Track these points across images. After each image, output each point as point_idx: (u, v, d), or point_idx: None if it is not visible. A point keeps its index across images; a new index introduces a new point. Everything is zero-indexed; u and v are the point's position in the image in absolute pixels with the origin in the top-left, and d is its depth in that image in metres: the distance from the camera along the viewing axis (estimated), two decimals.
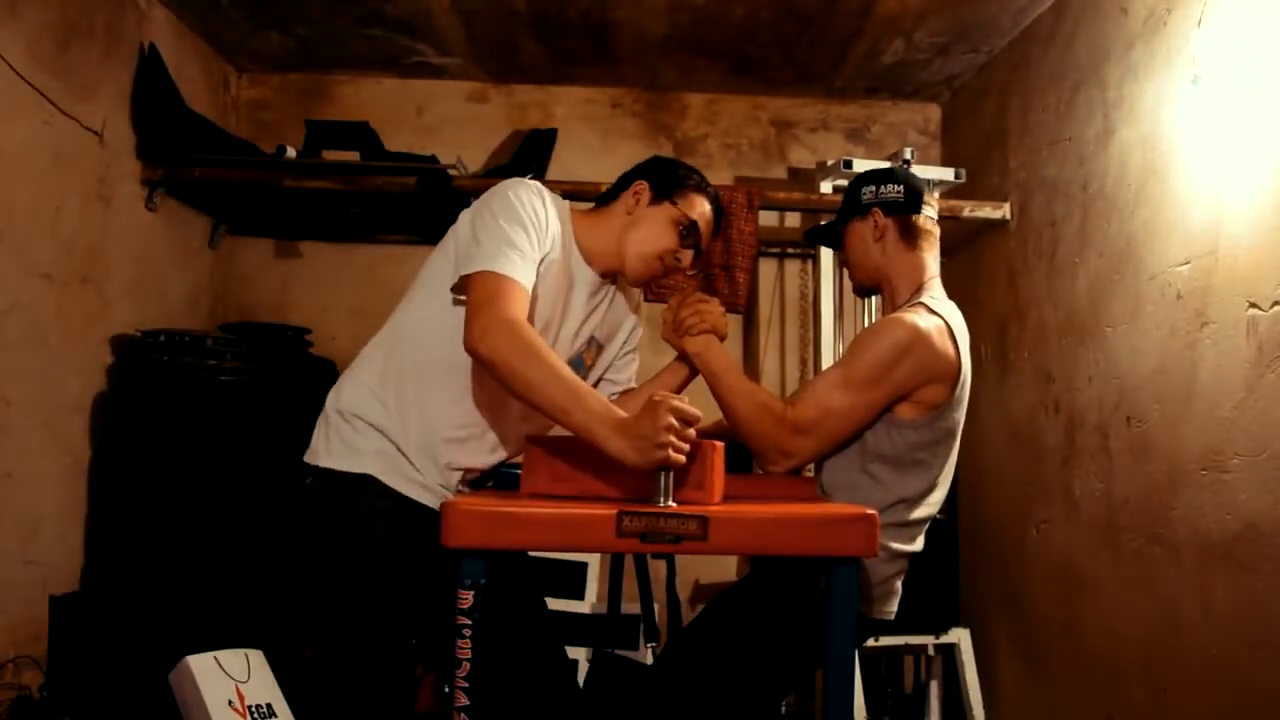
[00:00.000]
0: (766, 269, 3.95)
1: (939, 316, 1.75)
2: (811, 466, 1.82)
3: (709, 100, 4.04)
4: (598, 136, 3.97)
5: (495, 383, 1.54)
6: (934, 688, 3.38)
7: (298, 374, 3.24)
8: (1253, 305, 2.12)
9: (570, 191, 3.47)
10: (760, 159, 4.04)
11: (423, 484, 1.68)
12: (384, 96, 3.93)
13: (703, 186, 1.80)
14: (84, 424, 2.91)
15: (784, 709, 3.39)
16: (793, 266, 3.99)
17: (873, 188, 1.90)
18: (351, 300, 3.83)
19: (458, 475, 1.73)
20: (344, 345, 3.64)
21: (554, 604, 3.39)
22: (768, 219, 3.84)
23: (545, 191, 1.73)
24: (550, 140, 3.77)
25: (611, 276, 1.83)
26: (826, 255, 3.54)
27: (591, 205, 1.86)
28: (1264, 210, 2.11)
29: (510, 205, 1.64)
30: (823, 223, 1.91)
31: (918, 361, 1.69)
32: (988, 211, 3.39)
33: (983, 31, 3.36)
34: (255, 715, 2.63)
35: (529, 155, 3.71)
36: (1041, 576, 3.04)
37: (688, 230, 1.77)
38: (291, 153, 3.41)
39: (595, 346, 1.86)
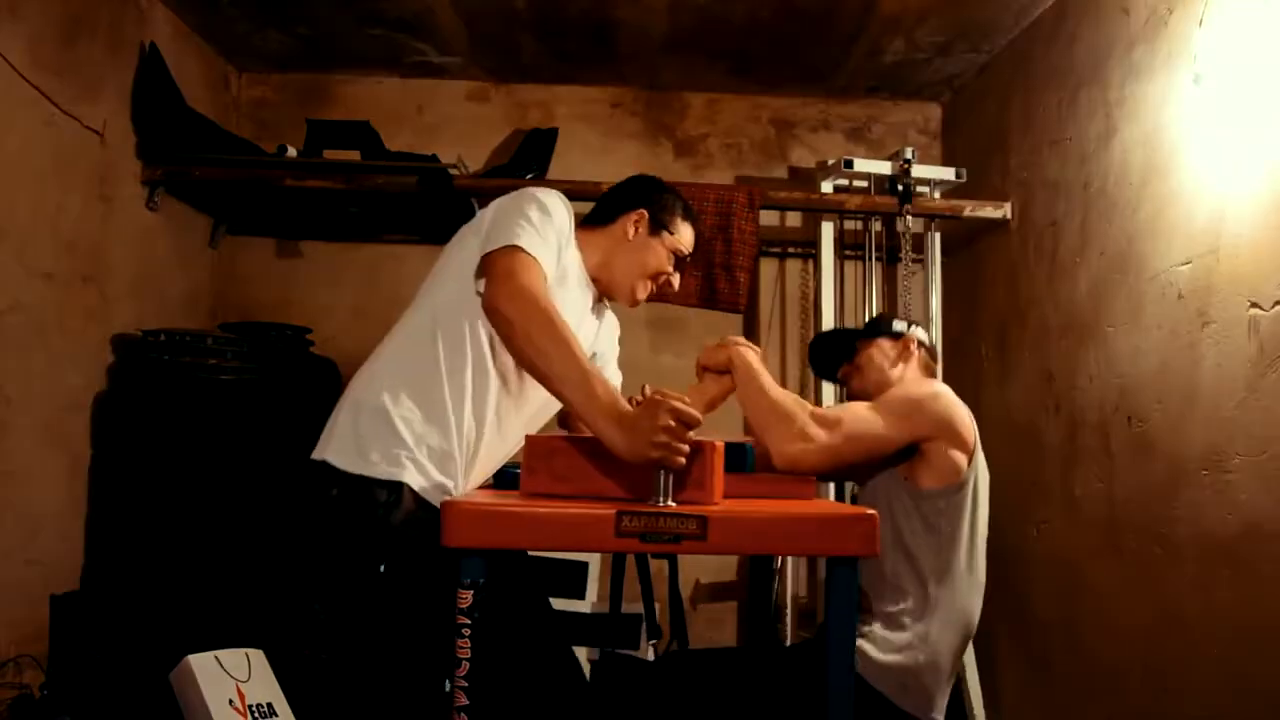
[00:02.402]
0: (767, 269, 3.95)
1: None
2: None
3: (709, 100, 4.03)
4: (598, 136, 3.97)
5: (513, 388, 1.63)
6: None
7: (298, 374, 3.24)
8: (1254, 305, 2.12)
9: (571, 191, 3.45)
10: (761, 159, 4.03)
11: (449, 491, 1.66)
12: (385, 96, 3.93)
13: (689, 214, 1.94)
14: (84, 424, 2.91)
15: None
16: (793, 266, 3.99)
17: (905, 323, 2.12)
18: (352, 300, 3.83)
19: (480, 478, 1.75)
20: (344, 345, 3.64)
21: (554, 604, 3.40)
22: (768, 219, 3.84)
23: (566, 202, 1.80)
24: (551, 140, 3.77)
25: (602, 294, 1.92)
26: (827, 255, 3.54)
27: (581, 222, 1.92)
28: (1265, 209, 2.11)
29: (540, 205, 1.70)
30: (837, 329, 2.05)
31: (944, 408, 1.85)
32: (988, 211, 3.39)
33: (984, 31, 3.36)
34: (256, 715, 2.63)
35: (529, 155, 3.71)
36: (1042, 576, 3.03)
37: (679, 261, 1.92)
38: (292, 152, 3.42)
39: (592, 359, 1.89)
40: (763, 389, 1.82)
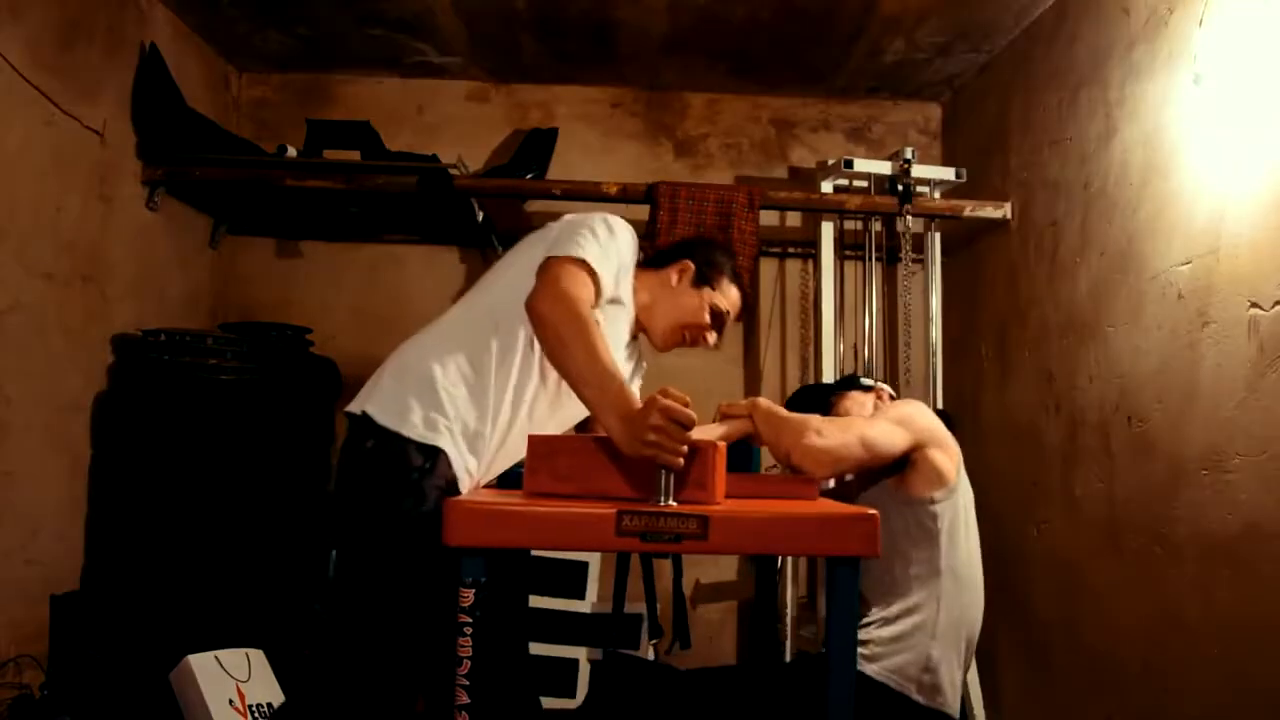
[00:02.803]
0: (767, 269, 3.95)
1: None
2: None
3: (710, 100, 4.03)
4: (598, 136, 3.97)
5: (551, 390, 1.71)
6: None
7: (298, 374, 3.24)
8: (1254, 305, 2.12)
9: (570, 191, 3.48)
10: (761, 159, 4.03)
11: (471, 472, 1.68)
12: (385, 96, 3.93)
13: (737, 277, 2.02)
14: (84, 424, 2.91)
15: None
16: (793, 266, 3.99)
17: (872, 380, 2.29)
18: (352, 300, 3.83)
19: (504, 470, 1.79)
20: (344, 345, 3.64)
21: (555, 603, 3.40)
22: (768, 219, 3.84)
23: (634, 236, 1.88)
24: (551, 140, 3.77)
25: (638, 333, 2.00)
26: (827, 255, 3.54)
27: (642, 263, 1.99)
28: (1265, 209, 2.11)
29: (609, 227, 1.78)
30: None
31: (932, 418, 1.95)
32: (988, 211, 3.39)
33: (984, 31, 3.36)
34: (256, 715, 2.63)
35: (530, 155, 3.71)
36: (1042, 576, 3.03)
37: (717, 317, 1.98)
38: (292, 152, 3.42)
39: None
40: (782, 414, 1.87)
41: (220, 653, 2.64)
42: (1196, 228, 2.34)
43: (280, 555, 2.99)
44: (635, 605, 3.07)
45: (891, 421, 1.88)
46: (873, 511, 1.34)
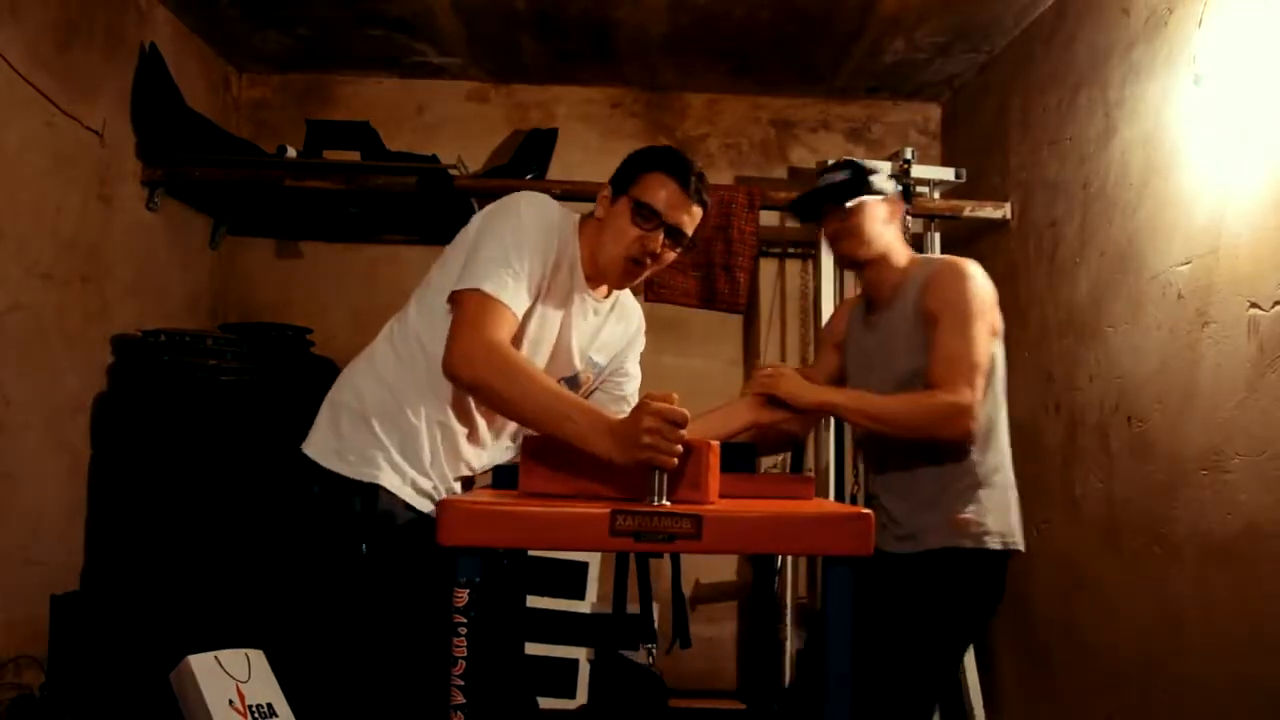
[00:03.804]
0: (767, 269, 3.94)
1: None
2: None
3: (709, 100, 4.03)
4: (598, 136, 3.97)
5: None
6: None
7: (298, 374, 3.24)
8: (1254, 305, 2.12)
9: (570, 191, 3.47)
10: (761, 159, 4.03)
11: (428, 492, 1.68)
12: (384, 96, 3.93)
13: (666, 166, 1.71)
14: (84, 424, 2.91)
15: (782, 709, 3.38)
16: (793, 266, 3.98)
17: (884, 178, 2.08)
18: (352, 300, 3.83)
19: (461, 480, 1.74)
20: (344, 345, 3.63)
21: (554, 604, 3.40)
22: (768, 219, 3.84)
23: (554, 208, 1.73)
24: (551, 140, 3.77)
25: (608, 292, 1.84)
26: (827, 255, 3.53)
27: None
28: (1265, 209, 2.11)
29: (517, 223, 1.64)
30: (819, 188, 2.02)
31: (990, 286, 1.96)
32: (988, 211, 3.38)
33: (983, 31, 3.36)
34: (256, 715, 2.63)
35: (529, 155, 3.71)
36: (1042, 576, 3.03)
37: (645, 215, 1.70)
38: (292, 152, 3.42)
39: (594, 366, 1.86)
40: (879, 406, 1.86)
41: (220, 653, 2.64)
42: (1196, 228, 2.34)
43: (280, 555, 2.99)
44: (636, 605, 3.08)
45: (989, 323, 1.92)
46: (866, 511, 1.34)
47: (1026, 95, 3.29)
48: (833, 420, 3.40)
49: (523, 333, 1.65)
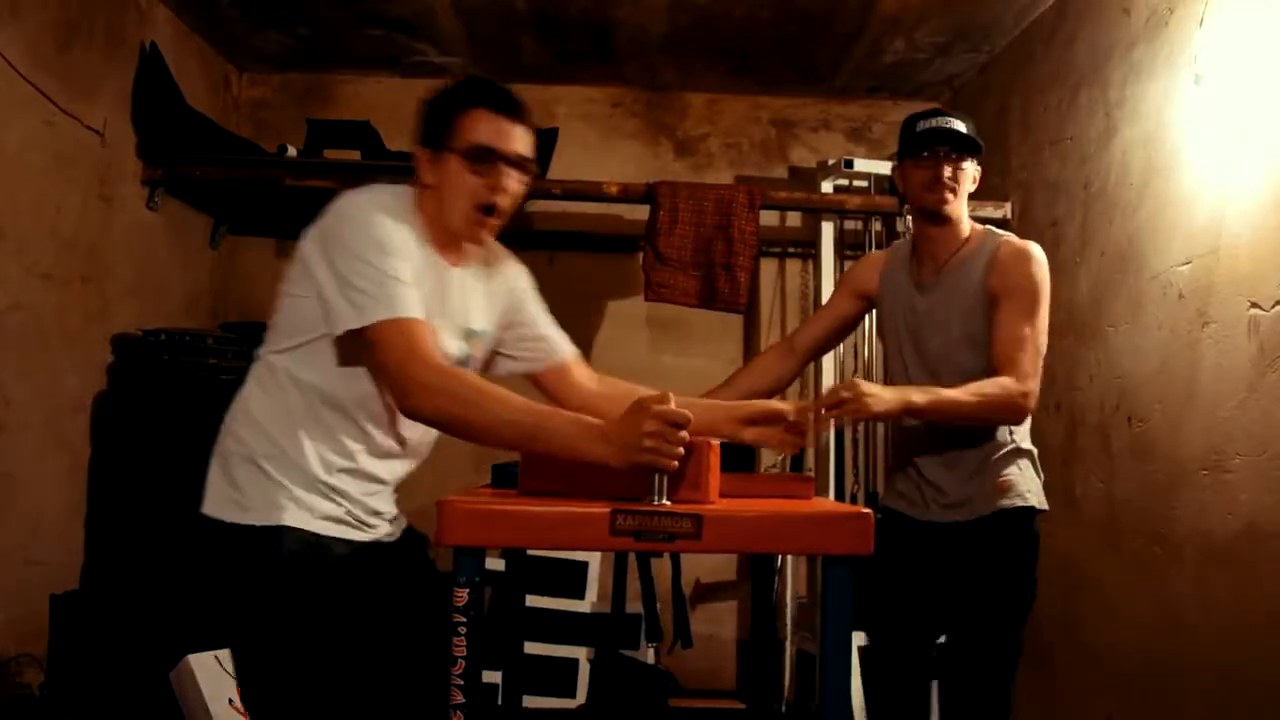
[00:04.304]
0: (767, 268, 3.94)
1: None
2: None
3: (710, 100, 4.03)
4: (598, 136, 3.97)
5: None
6: (934, 687, 3.37)
7: None
8: (1254, 305, 2.12)
9: (571, 191, 3.48)
10: (761, 159, 4.03)
11: (344, 519, 1.60)
12: (385, 96, 3.93)
13: (477, 100, 1.61)
14: (84, 424, 2.91)
15: (782, 708, 3.38)
16: (794, 266, 3.98)
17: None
18: None
19: (377, 494, 1.65)
20: None
21: (554, 603, 3.40)
22: (768, 218, 3.84)
23: (388, 196, 1.59)
24: (551, 140, 3.77)
25: (461, 258, 1.70)
26: (827, 255, 3.53)
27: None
28: (1265, 209, 2.11)
29: (370, 235, 1.50)
30: (950, 129, 2.01)
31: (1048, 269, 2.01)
32: (989, 211, 3.38)
33: (984, 31, 3.36)
34: None
35: None
36: (1042, 576, 3.01)
37: (478, 157, 1.58)
38: (292, 152, 3.42)
39: (477, 336, 1.74)
40: (956, 403, 1.87)
41: (220, 653, 2.64)
42: (1196, 228, 2.34)
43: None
44: (635, 605, 3.08)
45: (1039, 301, 1.96)
46: (866, 510, 1.34)
47: (1027, 95, 3.29)
48: (833, 420, 3.40)
49: None
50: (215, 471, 1.60)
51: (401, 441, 1.65)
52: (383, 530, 1.67)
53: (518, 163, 1.62)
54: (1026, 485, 2.02)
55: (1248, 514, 2.11)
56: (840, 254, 3.66)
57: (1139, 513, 2.51)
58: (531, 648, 3.19)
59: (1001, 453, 2.02)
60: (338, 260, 1.48)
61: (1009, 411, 1.93)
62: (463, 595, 1.32)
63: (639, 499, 1.37)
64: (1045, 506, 2.06)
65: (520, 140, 1.63)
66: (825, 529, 1.34)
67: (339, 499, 1.59)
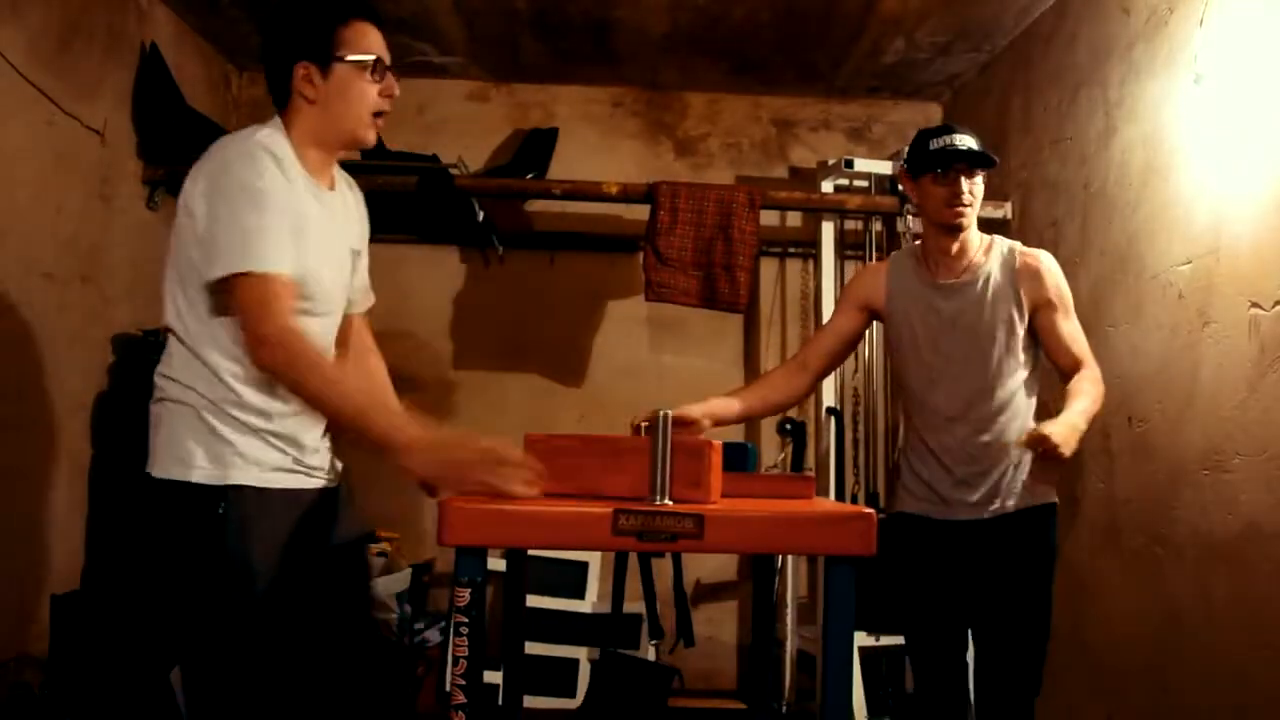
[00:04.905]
0: (767, 268, 3.94)
1: None
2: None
3: (710, 99, 4.03)
4: (599, 136, 3.97)
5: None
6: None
7: None
8: (1254, 305, 2.12)
9: (571, 191, 3.48)
10: (761, 158, 4.03)
11: (289, 469, 1.62)
12: None
13: (355, 12, 1.65)
14: (84, 424, 2.91)
15: (783, 708, 3.38)
16: (794, 266, 3.98)
17: None
18: None
19: (319, 443, 1.68)
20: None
21: (555, 603, 3.41)
22: (769, 218, 3.84)
23: (257, 139, 1.59)
24: (551, 140, 3.77)
25: (333, 180, 1.73)
26: (827, 255, 3.53)
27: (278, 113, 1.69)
28: (1266, 209, 2.11)
29: (246, 182, 1.54)
30: (969, 149, 2.08)
31: None
32: (989, 211, 3.37)
33: (984, 31, 3.36)
34: None
35: (530, 155, 3.71)
36: None
37: (375, 67, 1.64)
38: None
39: (354, 255, 1.79)
40: (1083, 410, 1.96)
41: None
42: (1197, 227, 2.34)
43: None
44: (635, 605, 3.08)
45: (1075, 320, 2.13)
46: (868, 510, 1.34)
47: (1027, 95, 3.29)
48: (833, 420, 3.41)
49: (307, 269, 1.58)
50: (161, 428, 1.61)
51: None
52: (325, 477, 1.70)
53: (392, 71, 1.70)
54: (1046, 483, 2.13)
55: (1248, 514, 2.11)
56: (840, 254, 3.66)
57: (1139, 513, 2.51)
58: (532, 648, 3.19)
59: (1029, 459, 2.08)
60: (212, 208, 1.55)
61: (1102, 395, 2.05)
62: (464, 595, 1.32)
63: (641, 499, 1.37)
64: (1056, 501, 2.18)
65: (387, 48, 1.70)
66: (827, 529, 1.34)
67: (284, 445, 1.61)
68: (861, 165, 3.47)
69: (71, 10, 2.79)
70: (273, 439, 1.60)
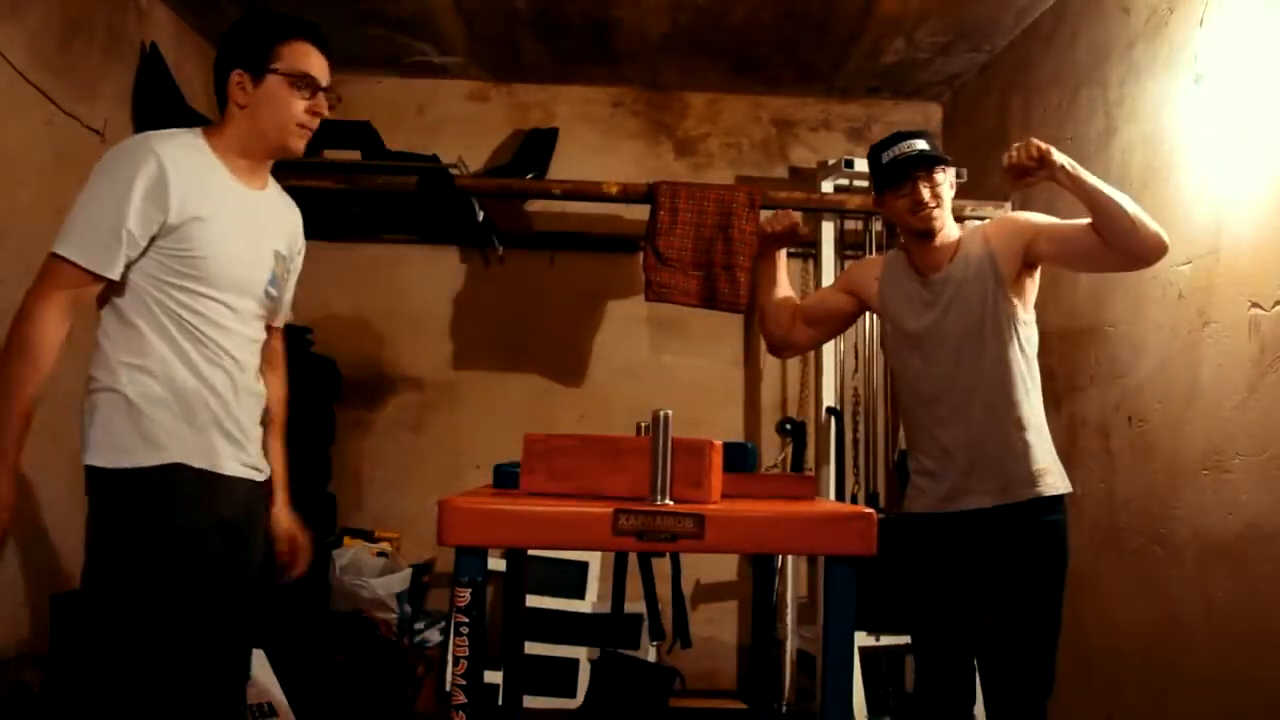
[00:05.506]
0: None
1: None
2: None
3: (710, 100, 4.03)
4: (599, 136, 3.97)
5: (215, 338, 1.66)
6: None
7: (298, 373, 3.21)
8: (1254, 305, 2.12)
9: (571, 191, 3.47)
10: (761, 158, 4.03)
11: (221, 452, 1.68)
12: (385, 96, 3.93)
13: (299, 33, 1.76)
14: None
15: (783, 708, 3.38)
16: (794, 266, 3.98)
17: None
18: (352, 299, 3.83)
19: (247, 431, 1.74)
20: (344, 345, 3.64)
21: (555, 603, 3.41)
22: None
23: (163, 140, 1.68)
24: (551, 140, 3.77)
25: (264, 183, 1.81)
26: (827, 255, 3.53)
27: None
28: (1266, 210, 2.11)
29: (108, 178, 1.63)
30: (933, 153, 2.16)
31: None
32: (989, 211, 3.38)
33: (984, 31, 3.36)
34: (256, 715, 2.63)
35: (530, 155, 3.71)
36: None
37: (304, 85, 1.74)
38: None
39: (282, 260, 1.84)
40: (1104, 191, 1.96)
41: None
42: (1197, 227, 2.34)
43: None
44: (635, 605, 3.08)
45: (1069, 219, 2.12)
46: (868, 511, 1.34)
47: (1027, 95, 3.29)
48: (833, 420, 3.41)
49: (209, 261, 1.64)
50: (95, 417, 1.68)
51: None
52: (255, 464, 1.77)
53: (328, 93, 1.81)
54: (1058, 472, 2.11)
55: (1248, 514, 2.11)
56: (840, 254, 3.65)
57: (1139, 513, 2.51)
58: (532, 648, 3.19)
59: (1035, 438, 2.07)
60: (86, 187, 1.64)
61: (1149, 226, 1.92)
62: (464, 595, 1.32)
63: (641, 499, 1.37)
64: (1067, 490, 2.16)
65: (327, 73, 1.82)
66: (828, 529, 1.34)
67: (231, 416, 1.68)
68: (861, 165, 3.46)
69: (71, 10, 2.79)
70: (204, 424, 1.67)
